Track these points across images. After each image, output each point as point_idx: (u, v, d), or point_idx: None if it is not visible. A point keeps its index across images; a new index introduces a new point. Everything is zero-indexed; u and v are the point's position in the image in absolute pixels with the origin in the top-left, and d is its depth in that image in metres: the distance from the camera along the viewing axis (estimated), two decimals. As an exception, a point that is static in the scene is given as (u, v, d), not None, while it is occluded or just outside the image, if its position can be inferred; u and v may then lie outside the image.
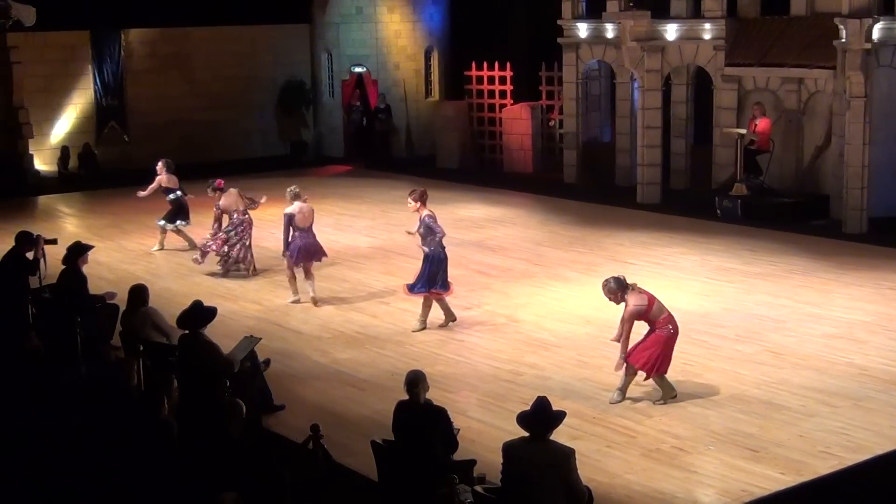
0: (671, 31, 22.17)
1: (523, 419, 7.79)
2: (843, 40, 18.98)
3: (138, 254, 18.83)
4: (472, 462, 8.71)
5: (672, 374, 11.42)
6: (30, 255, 13.39)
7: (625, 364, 11.22)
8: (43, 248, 13.60)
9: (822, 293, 15.44)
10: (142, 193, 18.81)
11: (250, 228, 16.96)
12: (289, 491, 7.17)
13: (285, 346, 13.53)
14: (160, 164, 18.51)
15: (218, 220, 17.12)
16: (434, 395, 9.28)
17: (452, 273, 14.31)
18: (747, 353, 12.77)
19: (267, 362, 11.57)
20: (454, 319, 14.11)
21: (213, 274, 17.00)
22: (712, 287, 15.86)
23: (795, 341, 13.33)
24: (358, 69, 29.22)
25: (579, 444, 9.25)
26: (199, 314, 10.47)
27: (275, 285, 16.41)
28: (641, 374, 11.28)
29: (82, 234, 18.74)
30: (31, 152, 25.82)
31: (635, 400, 11.39)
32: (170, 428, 8.15)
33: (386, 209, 22.20)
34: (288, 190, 15.34)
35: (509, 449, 7.81)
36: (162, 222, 18.69)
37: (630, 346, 11.21)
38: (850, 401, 11.36)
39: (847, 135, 19.27)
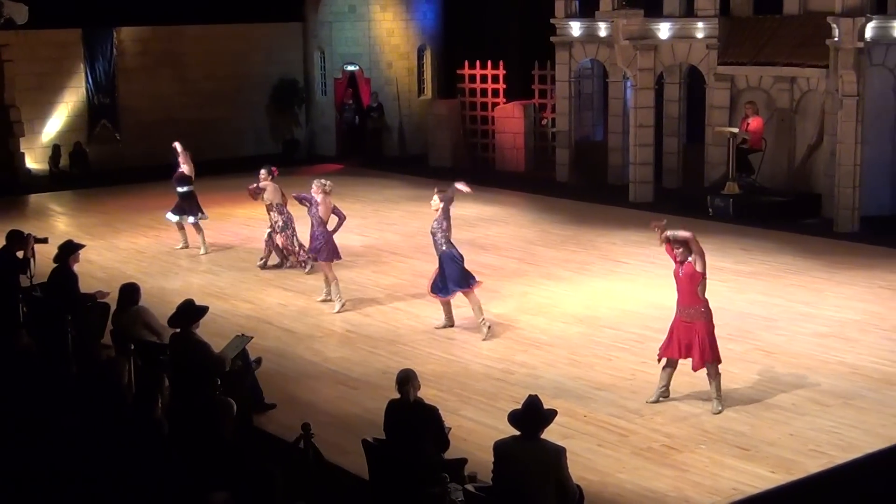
0: (664, 29, 22.19)
1: (514, 418, 7.77)
2: (836, 39, 19.00)
3: (129, 252, 18.81)
4: (464, 461, 8.71)
5: (664, 373, 11.43)
6: (20, 254, 13.33)
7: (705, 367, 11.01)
8: (33, 247, 13.51)
9: (814, 292, 15.46)
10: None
11: (293, 221, 17.13)
12: (280, 490, 7.17)
13: (277, 345, 13.52)
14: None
15: (270, 211, 17.04)
16: (425, 393, 9.28)
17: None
18: (739, 352, 12.77)
19: (258, 361, 11.54)
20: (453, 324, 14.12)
21: (275, 267, 17.23)
22: (704, 286, 15.86)
23: (787, 340, 13.35)
24: (350, 67, 29.19)
25: (570, 443, 9.26)
26: (189, 312, 10.46)
27: (265, 284, 16.40)
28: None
29: (73, 232, 18.70)
30: (22, 151, 25.74)
31: (626, 398, 11.41)
32: (161, 427, 8.13)
33: (378, 208, 22.20)
34: (327, 183, 15.21)
35: (500, 447, 7.79)
36: (177, 218, 18.57)
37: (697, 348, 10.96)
38: (842, 399, 11.38)
39: (839, 134, 19.30)
